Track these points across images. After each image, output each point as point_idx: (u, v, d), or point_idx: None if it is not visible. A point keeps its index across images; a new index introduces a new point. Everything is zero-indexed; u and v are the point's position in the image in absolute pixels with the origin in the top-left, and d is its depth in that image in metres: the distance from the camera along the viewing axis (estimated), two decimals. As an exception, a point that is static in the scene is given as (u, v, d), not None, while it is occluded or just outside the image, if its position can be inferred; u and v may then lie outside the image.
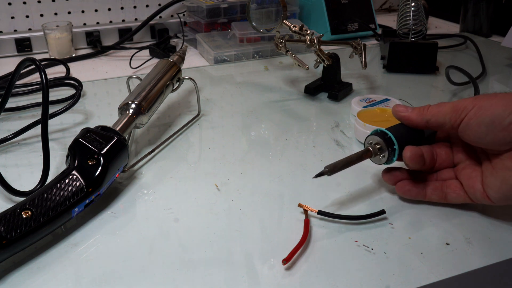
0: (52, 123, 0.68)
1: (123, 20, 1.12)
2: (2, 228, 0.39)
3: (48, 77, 0.55)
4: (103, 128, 0.52)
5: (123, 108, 0.58)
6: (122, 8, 1.11)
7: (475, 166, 0.47)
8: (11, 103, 0.73)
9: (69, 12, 1.07)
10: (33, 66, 0.84)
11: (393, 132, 0.48)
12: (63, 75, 0.87)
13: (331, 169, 0.46)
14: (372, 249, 0.43)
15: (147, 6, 1.13)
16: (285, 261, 0.40)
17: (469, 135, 0.44)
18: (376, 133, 0.48)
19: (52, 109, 0.65)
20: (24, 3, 1.03)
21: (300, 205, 0.47)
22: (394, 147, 0.47)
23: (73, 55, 1.01)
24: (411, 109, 0.48)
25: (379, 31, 1.11)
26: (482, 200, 0.45)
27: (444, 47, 1.02)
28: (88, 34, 1.05)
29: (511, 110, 0.41)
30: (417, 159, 0.47)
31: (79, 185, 0.45)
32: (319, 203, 0.49)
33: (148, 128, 0.68)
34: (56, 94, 0.77)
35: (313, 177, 0.46)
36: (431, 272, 0.40)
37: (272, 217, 0.47)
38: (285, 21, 0.73)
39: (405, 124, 0.49)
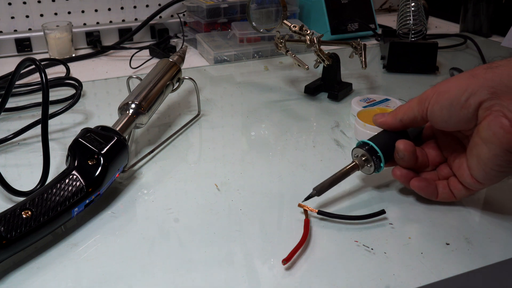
0: (52, 123, 0.68)
1: (123, 20, 1.12)
2: (2, 228, 0.39)
3: (48, 77, 0.55)
4: (103, 128, 0.52)
5: (123, 108, 0.58)
6: (122, 8, 1.11)
7: (461, 154, 0.47)
8: (11, 103, 0.73)
9: (69, 12, 1.07)
10: (33, 66, 0.84)
11: (374, 140, 0.49)
12: (63, 75, 0.87)
13: (319, 190, 0.47)
14: (372, 249, 0.43)
15: (147, 6, 1.13)
16: (285, 261, 0.40)
17: (436, 121, 0.46)
18: (359, 145, 0.49)
19: (52, 109, 0.65)
20: (24, 3, 1.03)
21: (300, 205, 0.47)
22: (378, 154, 0.48)
23: (73, 55, 1.01)
24: (386, 114, 0.50)
25: (379, 31, 1.11)
26: (474, 185, 0.45)
27: (444, 47, 1.02)
28: (88, 34, 1.05)
29: (465, 88, 0.42)
30: (410, 149, 0.47)
31: (79, 185, 0.45)
32: (319, 203, 0.49)
33: (148, 128, 0.68)
34: (56, 94, 0.77)
35: (302, 201, 0.47)
36: (431, 272, 0.40)
37: (272, 217, 0.47)
38: (285, 21, 0.73)
39: (387, 129, 0.50)
